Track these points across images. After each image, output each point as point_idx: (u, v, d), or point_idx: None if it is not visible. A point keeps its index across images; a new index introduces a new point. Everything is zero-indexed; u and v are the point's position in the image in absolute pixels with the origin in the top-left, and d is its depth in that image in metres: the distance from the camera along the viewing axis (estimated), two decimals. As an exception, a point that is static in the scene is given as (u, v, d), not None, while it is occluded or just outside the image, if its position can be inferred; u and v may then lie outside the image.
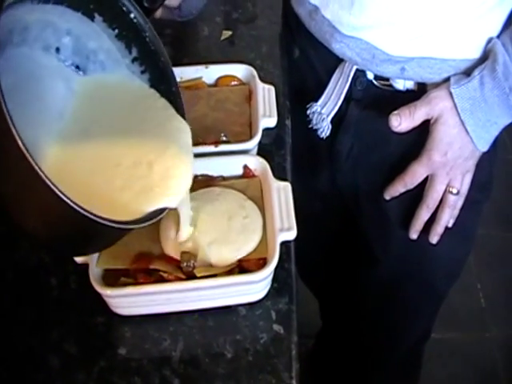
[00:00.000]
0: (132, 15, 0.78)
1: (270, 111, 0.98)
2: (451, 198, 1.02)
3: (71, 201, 0.61)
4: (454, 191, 1.01)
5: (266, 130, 0.97)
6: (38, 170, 0.59)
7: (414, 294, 1.23)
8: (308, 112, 1.11)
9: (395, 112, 0.95)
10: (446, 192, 1.01)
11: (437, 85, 0.96)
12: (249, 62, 1.07)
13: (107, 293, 0.78)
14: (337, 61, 1.04)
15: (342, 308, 1.49)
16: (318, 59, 1.11)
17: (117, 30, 0.79)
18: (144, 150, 0.78)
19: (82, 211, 0.62)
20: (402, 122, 0.94)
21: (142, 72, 0.82)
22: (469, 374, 1.94)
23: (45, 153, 0.74)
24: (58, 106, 0.79)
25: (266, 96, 1.00)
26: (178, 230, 0.81)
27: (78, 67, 0.82)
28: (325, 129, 1.09)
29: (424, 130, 0.96)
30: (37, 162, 0.60)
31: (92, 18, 0.78)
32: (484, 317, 2.09)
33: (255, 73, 1.03)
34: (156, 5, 0.82)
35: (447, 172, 0.99)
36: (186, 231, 0.82)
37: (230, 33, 1.24)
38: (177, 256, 0.81)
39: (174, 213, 0.79)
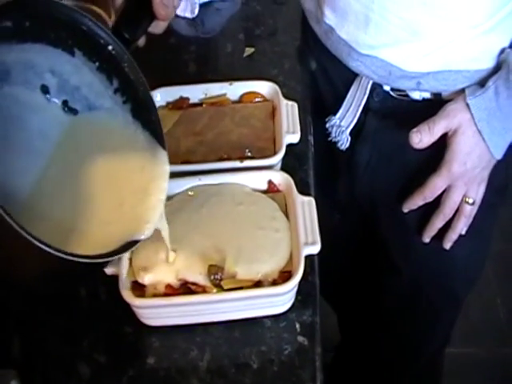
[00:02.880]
0: (110, 47, 0.78)
1: (293, 127, 1.00)
2: (467, 208, 1.04)
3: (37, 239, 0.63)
4: (470, 201, 1.03)
5: (290, 146, 0.98)
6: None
7: (434, 299, 1.24)
8: (327, 125, 1.13)
9: (414, 130, 0.97)
10: (463, 202, 1.03)
11: (452, 94, 0.99)
12: (271, 79, 1.09)
13: (136, 303, 0.80)
14: (354, 74, 1.07)
15: (362, 320, 1.50)
16: (335, 73, 1.13)
17: (97, 63, 0.79)
18: (119, 189, 0.80)
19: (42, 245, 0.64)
20: (423, 137, 0.96)
21: (124, 102, 0.82)
22: (488, 389, 1.94)
23: (29, 189, 0.76)
24: (42, 144, 0.80)
25: (289, 112, 1.02)
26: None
27: (66, 104, 0.82)
28: (344, 141, 1.12)
29: (440, 138, 0.98)
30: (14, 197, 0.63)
31: (72, 53, 0.78)
32: (504, 331, 2.08)
33: (279, 90, 1.05)
34: (137, 36, 0.82)
35: (465, 182, 1.01)
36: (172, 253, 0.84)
37: (252, 49, 1.26)
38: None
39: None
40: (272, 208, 0.90)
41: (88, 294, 0.89)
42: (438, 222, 1.06)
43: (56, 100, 0.81)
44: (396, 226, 1.18)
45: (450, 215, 1.05)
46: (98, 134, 0.83)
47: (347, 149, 1.13)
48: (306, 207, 0.88)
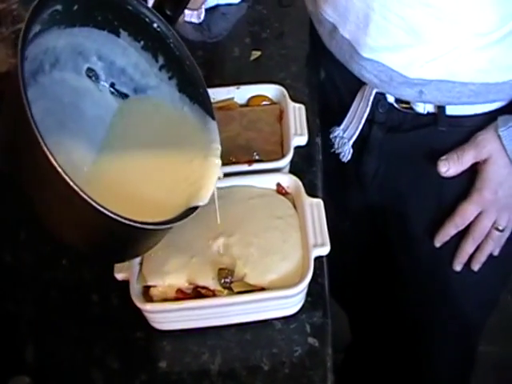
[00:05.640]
0: (155, 25, 0.80)
1: (300, 130, 1.00)
2: (496, 234, 1.02)
3: (102, 206, 0.64)
4: (501, 228, 1.01)
5: (297, 148, 0.98)
6: (67, 178, 0.62)
7: (445, 321, 1.21)
8: (331, 136, 1.12)
9: (443, 157, 0.95)
10: (492, 227, 1.01)
11: (456, 108, 0.97)
12: (279, 82, 1.09)
13: (147, 308, 0.81)
14: (359, 83, 1.05)
15: (374, 323, 1.49)
16: (341, 81, 1.12)
17: (142, 42, 0.82)
18: (176, 161, 0.82)
19: (110, 214, 0.65)
20: (451, 167, 0.95)
21: (170, 78, 0.84)
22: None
23: (82, 168, 0.78)
24: (91, 126, 0.83)
25: (296, 115, 1.02)
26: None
27: (114, 86, 0.85)
28: (346, 153, 1.10)
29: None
30: (73, 175, 0.63)
31: (118, 34, 0.80)
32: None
33: (286, 92, 1.05)
34: (178, 13, 0.83)
35: (497, 209, 0.99)
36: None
37: (259, 53, 1.26)
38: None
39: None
40: (285, 206, 0.91)
41: (99, 300, 0.90)
42: (468, 247, 1.04)
43: (104, 83, 0.84)
44: (405, 236, 1.16)
45: (480, 240, 1.03)
46: (148, 114, 0.85)
47: (354, 158, 1.11)
48: (315, 209, 0.88)
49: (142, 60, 0.83)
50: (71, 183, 0.62)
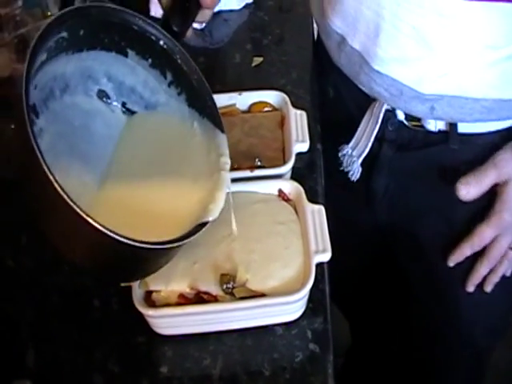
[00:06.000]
0: (161, 42, 0.80)
1: (302, 136, 1.00)
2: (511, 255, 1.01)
3: (107, 229, 0.64)
4: None
5: (299, 155, 0.99)
6: (73, 205, 0.62)
7: (451, 345, 1.19)
8: (339, 154, 1.10)
9: (462, 181, 0.94)
10: (508, 249, 1.01)
11: (469, 126, 0.95)
12: (280, 88, 1.10)
13: (150, 313, 0.81)
14: (368, 100, 1.03)
15: (375, 326, 1.48)
16: (350, 97, 1.10)
17: (150, 60, 0.82)
18: (185, 176, 0.82)
19: (116, 237, 0.64)
20: (471, 189, 0.94)
21: (179, 94, 0.84)
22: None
23: (93, 189, 0.78)
24: (102, 146, 0.83)
25: (298, 121, 1.03)
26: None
27: (125, 105, 0.86)
28: (355, 171, 1.09)
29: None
30: (83, 198, 0.63)
31: (125, 54, 0.81)
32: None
33: (287, 99, 1.06)
34: (185, 27, 0.84)
35: None
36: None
37: (261, 59, 1.26)
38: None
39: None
40: (287, 212, 0.91)
41: (101, 304, 0.90)
42: (482, 269, 1.03)
43: (115, 103, 0.85)
44: (415, 254, 1.14)
45: (495, 262, 1.02)
46: (157, 129, 0.86)
47: (363, 176, 1.10)
48: (316, 215, 0.88)
49: (150, 78, 0.84)
50: (78, 210, 0.62)
